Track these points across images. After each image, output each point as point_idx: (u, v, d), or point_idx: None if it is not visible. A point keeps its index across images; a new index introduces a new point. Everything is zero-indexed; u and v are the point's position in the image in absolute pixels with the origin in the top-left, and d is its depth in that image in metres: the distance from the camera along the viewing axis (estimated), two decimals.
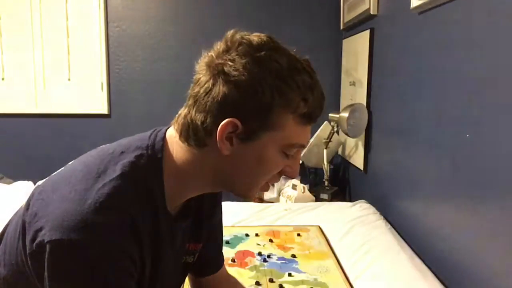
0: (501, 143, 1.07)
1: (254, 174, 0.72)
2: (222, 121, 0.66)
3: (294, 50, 0.71)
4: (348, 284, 1.33)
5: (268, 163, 0.71)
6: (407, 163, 1.70)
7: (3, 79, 2.75)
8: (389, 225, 1.74)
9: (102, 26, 2.71)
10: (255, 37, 0.69)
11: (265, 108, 0.66)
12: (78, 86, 2.76)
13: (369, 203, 2.01)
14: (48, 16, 2.69)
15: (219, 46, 0.69)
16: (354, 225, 1.75)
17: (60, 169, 0.76)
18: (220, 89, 0.66)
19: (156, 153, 0.72)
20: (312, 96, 0.69)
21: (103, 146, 0.77)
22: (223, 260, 1.04)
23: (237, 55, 0.66)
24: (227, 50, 0.68)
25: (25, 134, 2.81)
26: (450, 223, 1.34)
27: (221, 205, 0.97)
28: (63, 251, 0.62)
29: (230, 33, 0.69)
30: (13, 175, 2.42)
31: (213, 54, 0.69)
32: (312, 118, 0.71)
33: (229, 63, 0.66)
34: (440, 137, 1.40)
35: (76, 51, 2.73)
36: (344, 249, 1.57)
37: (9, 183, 2.31)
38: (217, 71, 0.67)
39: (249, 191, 0.75)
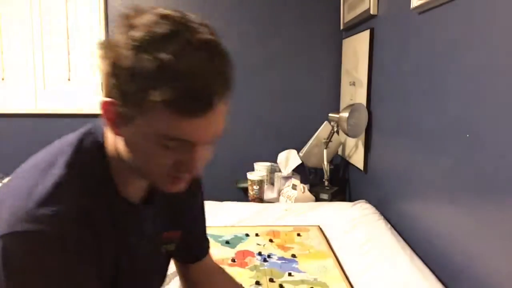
0: (501, 143, 1.07)
1: (142, 162, 0.68)
2: None
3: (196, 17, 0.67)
4: (348, 284, 1.33)
5: (144, 151, 0.66)
6: (407, 163, 1.70)
7: (3, 79, 2.74)
8: (389, 225, 1.74)
9: (102, 26, 2.71)
10: (147, 15, 0.63)
11: (135, 92, 0.61)
12: (78, 86, 2.75)
13: (369, 203, 2.01)
14: (48, 16, 2.69)
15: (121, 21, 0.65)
16: (354, 225, 1.75)
17: (23, 164, 0.76)
18: (103, 68, 0.64)
19: (97, 138, 0.72)
20: (185, 83, 0.59)
21: (59, 139, 0.76)
22: (208, 248, 1.03)
23: (120, 33, 0.62)
24: (119, 26, 0.63)
25: (25, 134, 2.81)
26: (450, 223, 1.34)
27: (202, 193, 0.96)
28: (15, 245, 0.61)
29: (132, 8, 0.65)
30: None
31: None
32: (188, 109, 0.60)
33: (112, 41, 0.62)
34: (440, 137, 1.40)
35: (76, 51, 2.73)
36: (344, 249, 1.57)
37: None
38: (104, 49, 0.64)
39: (156, 181, 0.71)
